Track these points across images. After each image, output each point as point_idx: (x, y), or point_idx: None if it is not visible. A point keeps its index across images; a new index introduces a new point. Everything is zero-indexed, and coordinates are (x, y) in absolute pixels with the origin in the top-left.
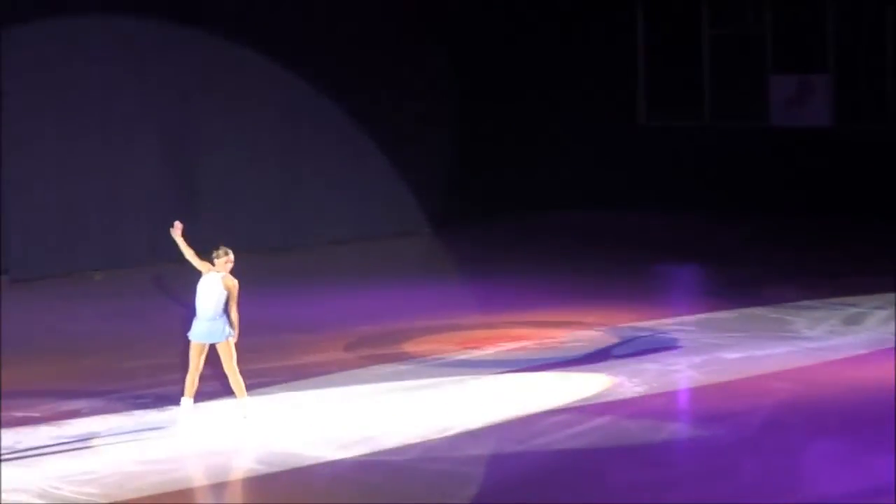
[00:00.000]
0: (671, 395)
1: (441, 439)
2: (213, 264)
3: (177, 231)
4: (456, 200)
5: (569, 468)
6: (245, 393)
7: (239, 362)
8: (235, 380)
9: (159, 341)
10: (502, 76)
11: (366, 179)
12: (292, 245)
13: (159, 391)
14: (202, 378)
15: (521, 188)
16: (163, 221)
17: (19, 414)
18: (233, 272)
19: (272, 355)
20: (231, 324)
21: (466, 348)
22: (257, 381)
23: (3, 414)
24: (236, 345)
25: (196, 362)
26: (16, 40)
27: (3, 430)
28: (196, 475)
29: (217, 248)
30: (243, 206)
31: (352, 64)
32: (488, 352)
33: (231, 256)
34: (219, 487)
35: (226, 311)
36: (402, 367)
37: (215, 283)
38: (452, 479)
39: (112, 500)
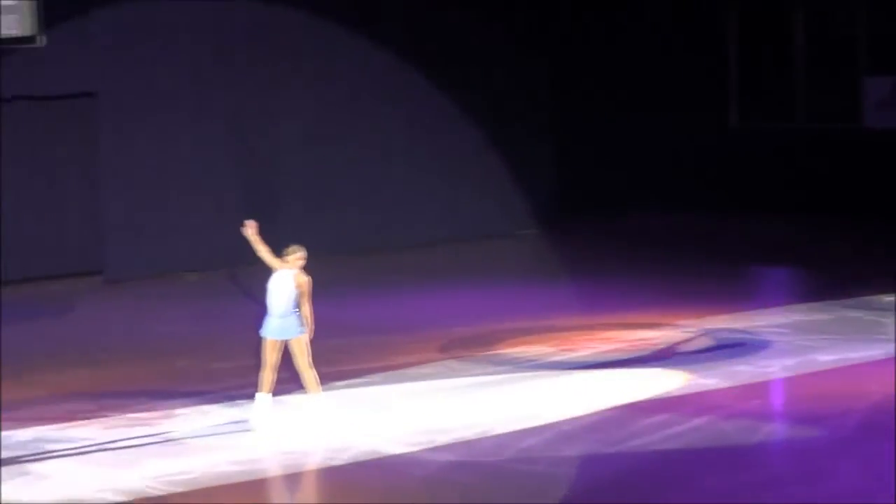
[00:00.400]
0: (766, 397)
1: (535, 441)
2: (285, 261)
3: (248, 230)
4: (557, 202)
5: (663, 470)
6: (319, 389)
7: (332, 362)
8: (308, 376)
9: (252, 342)
10: (598, 79)
11: (468, 180)
12: (390, 246)
13: (251, 392)
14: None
15: (619, 190)
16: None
17: (113, 414)
18: (306, 269)
19: (366, 356)
20: (304, 320)
21: (561, 349)
22: (350, 383)
23: (98, 413)
24: (314, 342)
25: (270, 359)
26: (107, 40)
27: (99, 429)
28: (282, 470)
29: (288, 246)
30: (340, 207)
31: (453, 64)
32: (582, 353)
33: (302, 254)
34: (310, 487)
35: (298, 307)
36: (496, 368)
37: (287, 280)
38: (547, 481)
39: (207, 498)
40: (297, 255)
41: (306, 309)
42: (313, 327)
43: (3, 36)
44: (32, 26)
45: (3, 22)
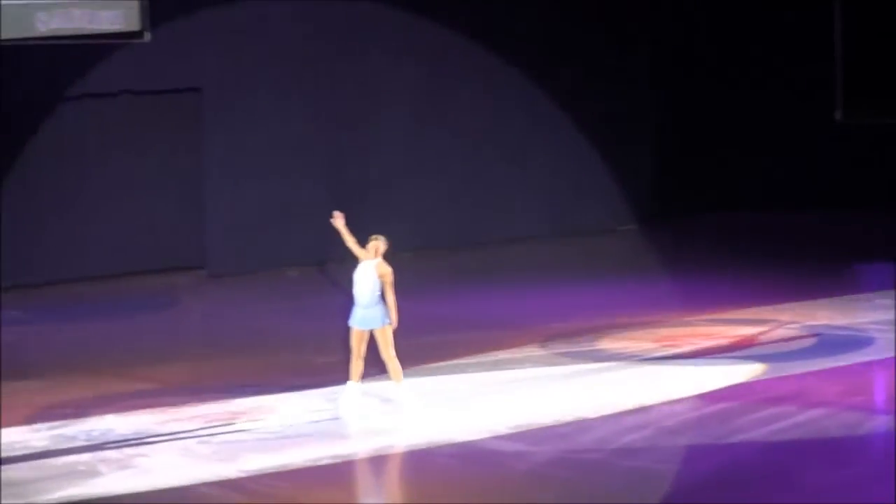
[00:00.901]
0: (868, 394)
1: (637, 436)
2: (367, 251)
3: (337, 220)
4: (658, 197)
5: (766, 465)
6: (402, 378)
7: (433, 357)
8: (392, 366)
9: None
10: (700, 72)
11: (568, 175)
12: (489, 241)
13: (358, 389)
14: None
15: (721, 186)
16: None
17: (215, 408)
18: (386, 258)
19: (465, 351)
20: (388, 310)
21: (663, 345)
22: (449, 375)
23: (201, 407)
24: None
25: (356, 348)
26: (212, 36)
27: (200, 423)
28: (386, 465)
29: (371, 236)
30: (438, 201)
31: (553, 55)
32: (684, 349)
33: (381, 243)
34: (410, 473)
35: (383, 298)
36: (597, 364)
37: (370, 271)
38: (649, 477)
39: (308, 495)
40: (377, 245)
41: (390, 299)
42: (397, 317)
43: (108, 31)
44: (138, 21)
45: (109, 17)
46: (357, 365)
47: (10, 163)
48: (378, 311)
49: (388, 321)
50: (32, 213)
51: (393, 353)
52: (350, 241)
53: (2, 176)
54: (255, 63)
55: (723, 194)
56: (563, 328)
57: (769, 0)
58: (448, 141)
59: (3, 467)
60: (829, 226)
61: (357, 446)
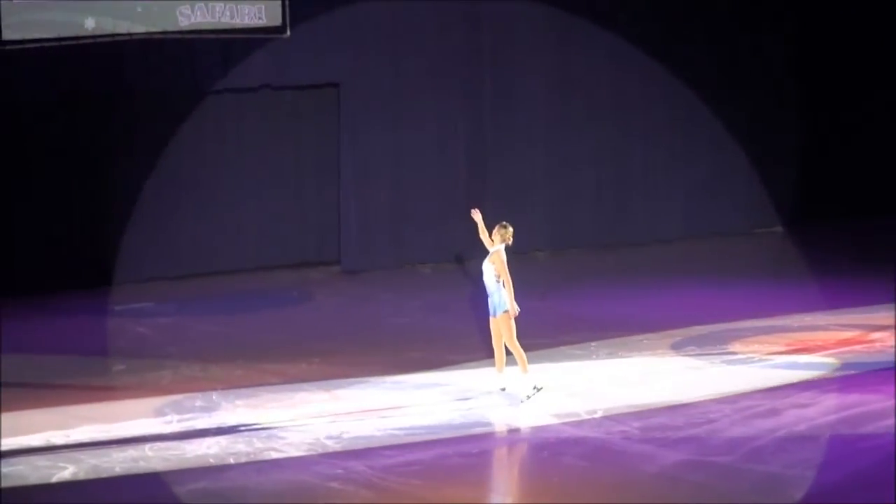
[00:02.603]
0: None
1: (767, 440)
2: (492, 241)
3: (476, 214)
4: (801, 200)
5: (891, 476)
6: (526, 368)
7: (568, 358)
8: (499, 354)
9: (484, 335)
10: (849, 71)
11: (710, 176)
12: (626, 242)
13: (484, 385)
14: None
15: (870, 188)
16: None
17: (346, 404)
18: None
19: (598, 351)
20: (505, 299)
21: (796, 350)
22: (585, 379)
23: (330, 403)
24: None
25: (493, 336)
26: (351, 32)
27: (331, 419)
28: (515, 466)
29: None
30: (574, 201)
31: (693, 56)
32: (817, 353)
33: (502, 230)
34: (540, 475)
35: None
36: (726, 366)
37: (488, 260)
38: (780, 482)
39: (437, 492)
40: (498, 233)
41: (506, 286)
42: (513, 304)
43: (249, 26)
44: (279, 17)
45: (251, 12)
46: (496, 353)
47: (150, 156)
48: (497, 298)
49: (505, 308)
50: (172, 207)
51: (513, 342)
52: (483, 234)
53: (143, 169)
54: (393, 59)
55: (871, 197)
56: (696, 330)
57: None
58: (587, 140)
59: (134, 458)
60: None
61: (485, 444)
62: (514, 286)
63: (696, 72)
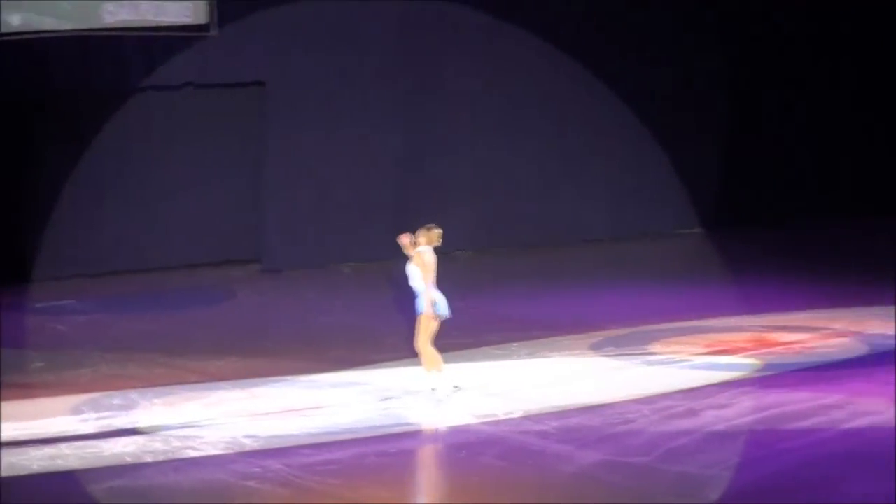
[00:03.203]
0: None
1: (685, 441)
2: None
3: (403, 239)
4: (723, 202)
5: (813, 475)
6: (436, 369)
7: (488, 357)
8: (422, 356)
9: (406, 335)
10: (774, 77)
11: (633, 177)
12: (551, 242)
13: (406, 385)
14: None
15: (789, 192)
16: (413, 216)
17: (265, 403)
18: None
19: (518, 352)
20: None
21: (714, 350)
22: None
23: (249, 402)
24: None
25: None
26: (279, 30)
27: (249, 418)
28: (433, 466)
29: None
30: (505, 203)
31: (622, 55)
32: (736, 354)
33: (427, 232)
34: (457, 475)
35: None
36: (645, 366)
37: (412, 262)
38: (697, 482)
39: (355, 492)
40: (419, 234)
41: (424, 288)
42: (429, 307)
43: (175, 24)
44: (205, 15)
45: (176, 10)
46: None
47: (75, 153)
48: (420, 299)
49: (422, 310)
50: (93, 204)
51: (419, 343)
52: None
53: (68, 167)
54: (319, 59)
55: (791, 201)
56: (616, 330)
57: (841, 6)
58: (513, 142)
59: (51, 456)
60: (893, 236)
61: (404, 443)
62: (438, 287)
63: (622, 75)
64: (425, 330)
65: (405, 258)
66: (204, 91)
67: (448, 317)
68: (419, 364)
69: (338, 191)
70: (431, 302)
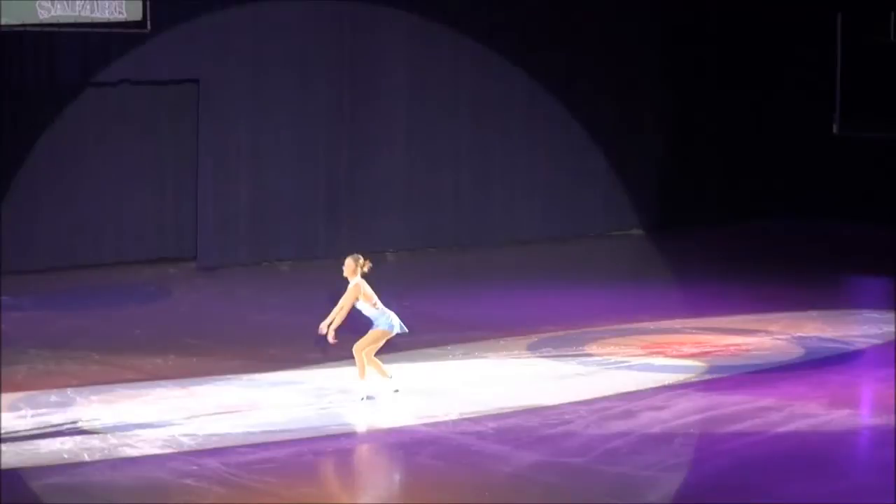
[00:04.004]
0: (853, 407)
1: (621, 442)
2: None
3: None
4: (662, 203)
5: (748, 477)
6: (386, 374)
7: (424, 358)
8: (374, 364)
9: (342, 333)
10: (712, 79)
11: (572, 177)
12: (490, 242)
13: (341, 384)
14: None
15: (728, 194)
16: (347, 215)
17: (202, 401)
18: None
19: (455, 352)
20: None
21: (651, 353)
22: (440, 379)
23: (186, 400)
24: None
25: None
26: (211, 28)
27: (186, 416)
28: (371, 466)
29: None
30: (441, 202)
31: (563, 55)
32: (672, 357)
33: (355, 262)
34: (393, 475)
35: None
36: (583, 367)
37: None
38: (634, 483)
39: (292, 490)
40: (349, 265)
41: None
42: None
43: (110, 20)
44: (139, 12)
45: (111, 6)
46: (373, 364)
47: (8, 149)
48: (384, 320)
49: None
50: (27, 201)
51: (362, 351)
52: (341, 312)
53: (1, 163)
54: (252, 57)
55: (730, 202)
56: (553, 331)
57: (778, 7)
58: (448, 141)
59: None
60: (832, 238)
61: (341, 443)
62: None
63: (565, 76)
64: (373, 342)
65: (341, 255)
66: (138, 88)
67: (405, 332)
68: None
69: (272, 188)
70: (388, 322)
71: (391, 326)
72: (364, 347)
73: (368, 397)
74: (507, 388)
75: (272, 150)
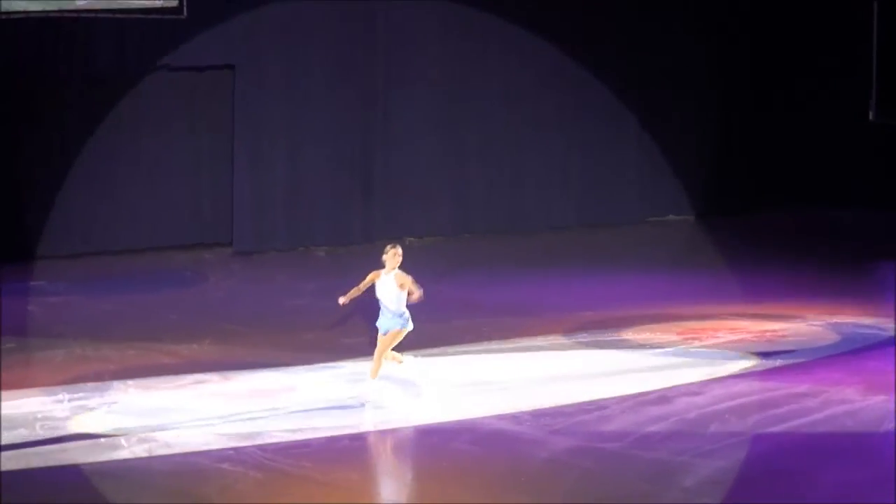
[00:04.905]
0: (889, 393)
1: (657, 428)
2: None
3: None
4: (701, 191)
5: (785, 463)
6: (376, 375)
7: (460, 342)
8: (378, 364)
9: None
10: (761, 67)
11: (614, 164)
12: (529, 227)
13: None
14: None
15: (763, 182)
16: (382, 201)
17: (238, 385)
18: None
19: (491, 336)
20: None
21: (687, 338)
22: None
23: (222, 384)
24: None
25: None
26: (248, 13)
27: (222, 401)
28: (406, 451)
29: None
30: (470, 189)
31: (605, 38)
32: (708, 342)
33: (391, 250)
34: (429, 462)
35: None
36: (620, 353)
37: (391, 283)
38: (669, 468)
39: (328, 475)
40: (390, 257)
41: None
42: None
43: (146, 6)
44: None
45: None
46: (378, 365)
47: (43, 135)
48: (403, 318)
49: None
50: (65, 186)
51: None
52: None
53: (36, 148)
54: (288, 43)
55: (765, 190)
56: (590, 317)
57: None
58: (483, 127)
59: (24, 434)
60: (864, 226)
61: (377, 428)
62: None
63: (611, 61)
64: (393, 343)
65: (378, 241)
66: (174, 74)
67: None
68: (391, 359)
69: (308, 174)
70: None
71: (405, 324)
72: (385, 350)
73: (369, 401)
74: (543, 373)
75: (308, 135)
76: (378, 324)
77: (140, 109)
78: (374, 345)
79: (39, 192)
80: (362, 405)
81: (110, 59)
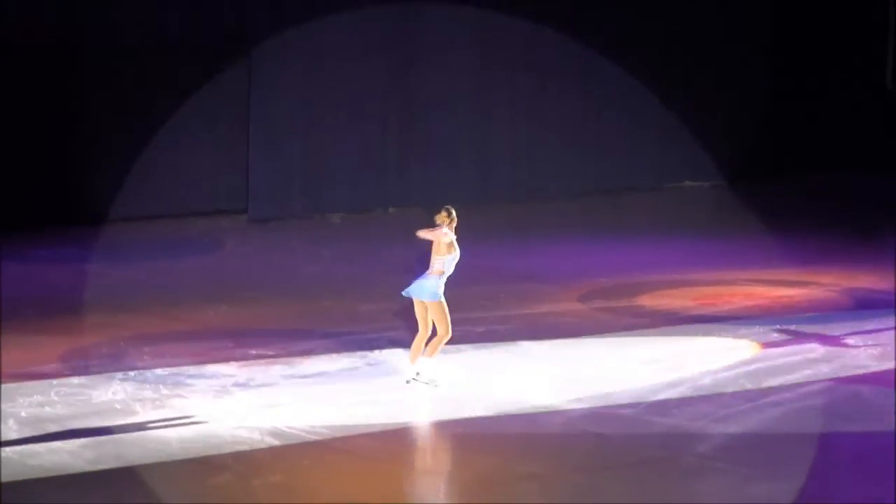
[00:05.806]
0: None
1: (671, 393)
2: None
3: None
4: (719, 157)
5: (799, 427)
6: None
7: (475, 309)
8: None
9: (396, 284)
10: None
11: (640, 129)
12: (542, 197)
13: (393, 335)
14: None
15: (782, 148)
16: (399, 168)
17: (253, 352)
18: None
19: (508, 304)
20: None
21: (702, 304)
22: (492, 329)
23: (238, 351)
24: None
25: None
26: None
27: (237, 367)
28: (422, 417)
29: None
30: (490, 155)
31: (630, 7)
32: (723, 308)
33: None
34: (444, 428)
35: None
36: (635, 320)
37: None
38: (684, 434)
39: (345, 442)
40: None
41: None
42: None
43: None
44: None
45: None
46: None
47: (60, 104)
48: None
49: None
50: (80, 155)
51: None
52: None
53: (58, 116)
54: (306, 10)
55: (784, 156)
56: (606, 283)
57: None
58: (504, 93)
59: (40, 402)
60: (880, 193)
61: (392, 394)
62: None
63: (643, 26)
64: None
65: (392, 207)
66: (191, 43)
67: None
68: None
69: (325, 141)
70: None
71: (436, 296)
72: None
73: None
74: (558, 339)
75: (325, 102)
76: (425, 286)
77: (157, 78)
78: (390, 310)
79: (60, 159)
80: (377, 370)
81: (127, 31)
